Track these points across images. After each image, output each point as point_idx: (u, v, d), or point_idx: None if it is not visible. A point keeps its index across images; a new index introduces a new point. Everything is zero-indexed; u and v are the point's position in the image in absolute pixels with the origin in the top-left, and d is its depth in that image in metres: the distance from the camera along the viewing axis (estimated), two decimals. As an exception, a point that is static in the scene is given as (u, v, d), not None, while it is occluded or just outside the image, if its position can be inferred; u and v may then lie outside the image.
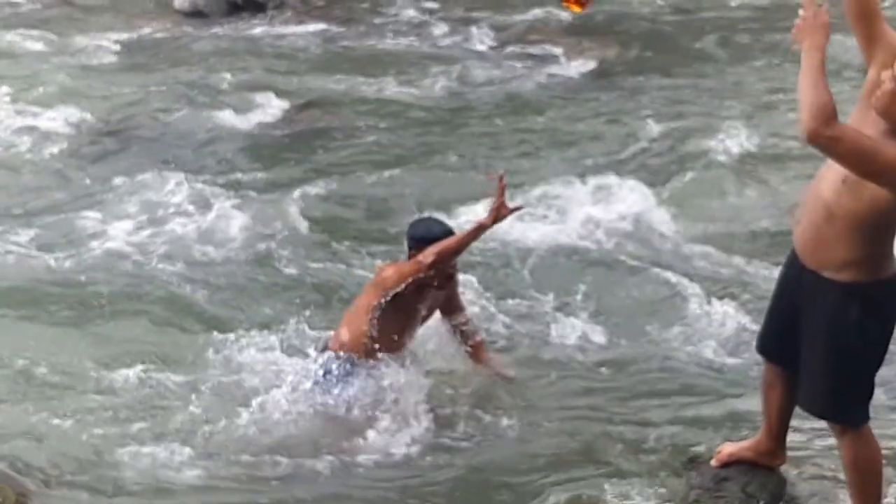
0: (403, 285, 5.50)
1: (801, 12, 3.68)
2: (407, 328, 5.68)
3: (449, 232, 5.66)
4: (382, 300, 5.53)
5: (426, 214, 6.33)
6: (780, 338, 4.17)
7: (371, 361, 5.58)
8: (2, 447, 5.28)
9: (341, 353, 5.62)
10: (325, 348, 5.73)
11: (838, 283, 3.85)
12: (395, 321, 5.59)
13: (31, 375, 5.97)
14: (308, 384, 5.64)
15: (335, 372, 5.59)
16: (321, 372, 5.63)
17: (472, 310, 6.12)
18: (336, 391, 5.57)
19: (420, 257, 5.49)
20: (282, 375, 5.83)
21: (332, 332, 5.80)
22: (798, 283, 3.99)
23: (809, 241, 3.88)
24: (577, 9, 5.03)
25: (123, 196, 8.30)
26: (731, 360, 5.91)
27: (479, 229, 5.48)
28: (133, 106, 10.27)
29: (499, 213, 5.40)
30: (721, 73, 11.01)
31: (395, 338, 5.61)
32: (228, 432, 5.53)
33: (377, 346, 5.58)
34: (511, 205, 5.42)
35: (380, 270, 5.79)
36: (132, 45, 12.12)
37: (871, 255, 3.84)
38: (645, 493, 4.86)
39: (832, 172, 3.76)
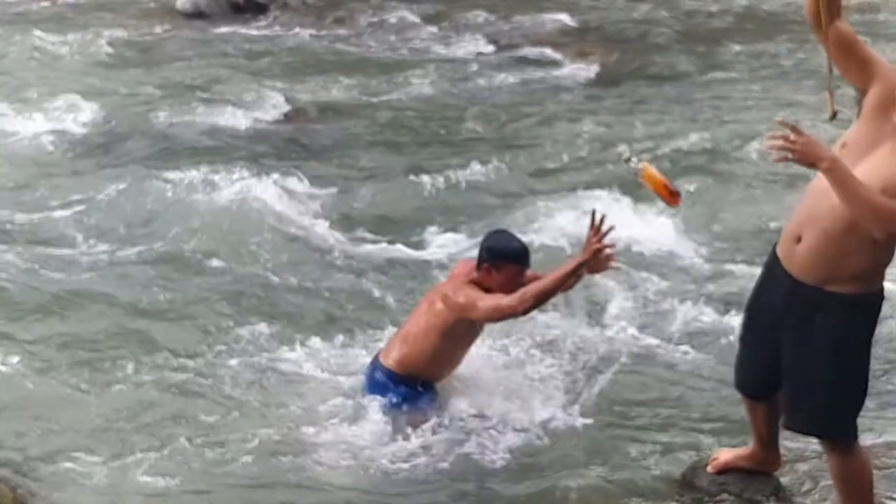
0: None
1: (770, 142, 3.69)
2: (468, 345, 5.55)
3: (526, 250, 5.45)
4: (454, 323, 5.35)
5: (502, 227, 6.01)
6: (761, 377, 4.17)
7: (420, 383, 5.47)
8: (2, 452, 5.25)
9: (394, 370, 5.49)
10: (375, 358, 5.63)
11: (845, 296, 3.84)
12: (457, 342, 5.46)
13: (37, 374, 5.94)
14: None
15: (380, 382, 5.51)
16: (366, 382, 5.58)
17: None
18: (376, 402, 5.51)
19: (517, 304, 5.16)
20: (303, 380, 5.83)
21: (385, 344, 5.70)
22: (789, 302, 3.93)
23: (818, 257, 3.82)
24: (675, 203, 5.01)
25: (119, 195, 8.27)
26: (728, 367, 5.89)
27: (578, 267, 5.15)
28: (133, 106, 10.28)
29: (595, 249, 5.07)
30: (723, 80, 11.01)
31: (453, 357, 5.52)
32: (232, 434, 5.52)
33: (433, 367, 5.49)
34: (606, 242, 5.07)
35: (457, 287, 5.43)
36: (133, 45, 12.14)
37: (876, 266, 3.85)
38: (643, 498, 4.86)
39: (863, 179, 3.71)
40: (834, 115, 3.87)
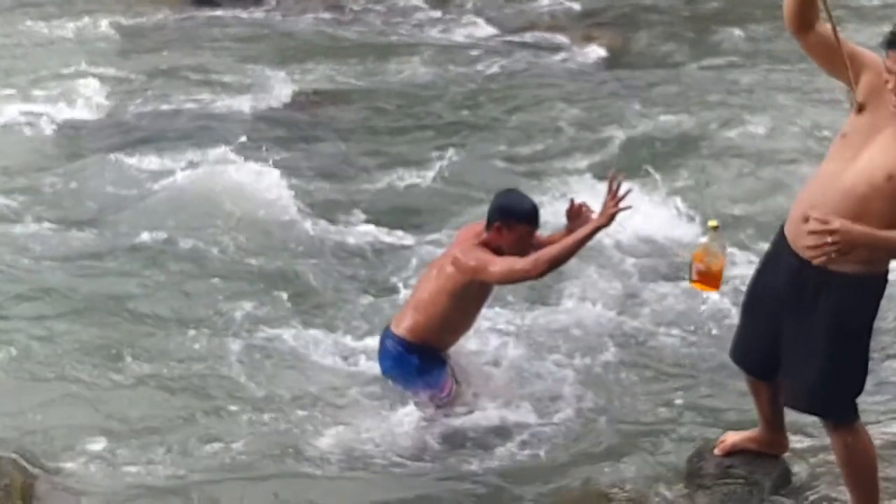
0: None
1: (812, 253, 3.75)
2: (478, 309, 5.52)
3: (537, 210, 5.38)
4: (465, 286, 5.31)
5: (511, 187, 5.85)
6: (763, 355, 4.18)
7: (430, 349, 5.46)
8: (10, 436, 5.27)
9: (406, 338, 5.47)
10: (386, 328, 5.61)
11: (850, 276, 3.85)
12: (468, 306, 5.43)
13: (45, 366, 5.95)
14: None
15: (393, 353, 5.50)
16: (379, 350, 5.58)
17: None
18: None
19: (531, 267, 5.10)
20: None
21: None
22: (795, 279, 3.95)
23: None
24: (711, 289, 4.82)
25: (116, 180, 8.29)
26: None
27: (594, 231, 5.07)
28: (136, 91, 10.26)
29: (612, 213, 5.01)
30: (731, 65, 10.99)
31: (464, 322, 5.49)
32: (236, 420, 5.54)
33: (445, 334, 5.47)
34: (622, 204, 5.00)
35: (467, 249, 5.36)
36: (136, 30, 12.12)
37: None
38: (651, 480, 4.87)
39: (869, 168, 3.78)
40: (861, 108, 3.87)
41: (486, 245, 5.36)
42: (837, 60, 3.87)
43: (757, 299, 4.18)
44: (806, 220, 3.86)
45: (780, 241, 4.04)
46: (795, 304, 3.96)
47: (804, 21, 3.87)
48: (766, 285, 4.10)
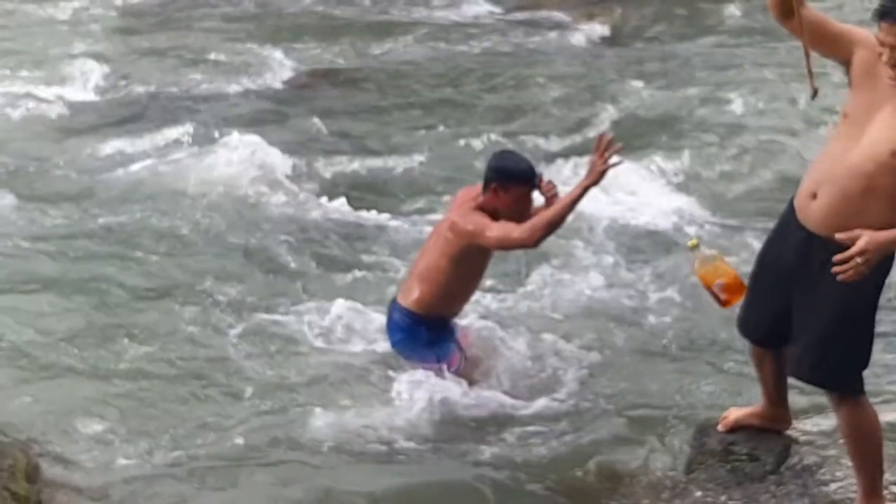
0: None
1: (846, 276, 3.77)
2: (480, 275, 5.48)
3: (534, 170, 5.33)
4: (464, 250, 5.27)
5: (509, 148, 5.83)
6: (767, 324, 4.21)
7: (435, 318, 5.45)
8: (13, 418, 5.27)
9: (414, 310, 5.45)
10: (393, 300, 5.59)
11: None
12: (470, 271, 5.38)
13: (52, 352, 5.93)
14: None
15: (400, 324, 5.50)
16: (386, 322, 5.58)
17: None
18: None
19: (528, 235, 5.07)
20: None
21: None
22: (801, 250, 3.98)
23: (833, 214, 3.88)
24: (737, 299, 4.44)
25: (114, 160, 8.30)
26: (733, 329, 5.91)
27: (584, 190, 5.01)
28: (128, 71, 10.28)
29: (600, 170, 4.96)
30: (733, 43, 10.97)
31: (468, 287, 5.47)
32: (239, 405, 5.54)
33: (450, 302, 5.45)
34: (611, 161, 4.94)
35: (465, 213, 5.32)
36: (134, 9, 12.09)
37: (891, 224, 3.87)
38: (654, 458, 4.89)
39: (873, 146, 3.81)
40: (815, 94, 3.97)
41: (482, 208, 5.31)
42: (826, 42, 3.92)
43: (765, 269, 4.20)
44: (814, 196, 3.92)
45: (790, 214, 4.07)
46: (802, 275, 3.99)
47: (785, 8, 3.91)
48: (775, 256, 4.13)
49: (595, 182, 5.01)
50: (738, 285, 4.40)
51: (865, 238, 3.72)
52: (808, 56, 3.93)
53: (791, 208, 4.07)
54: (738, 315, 4.38)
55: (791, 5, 3.88)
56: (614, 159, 4.97)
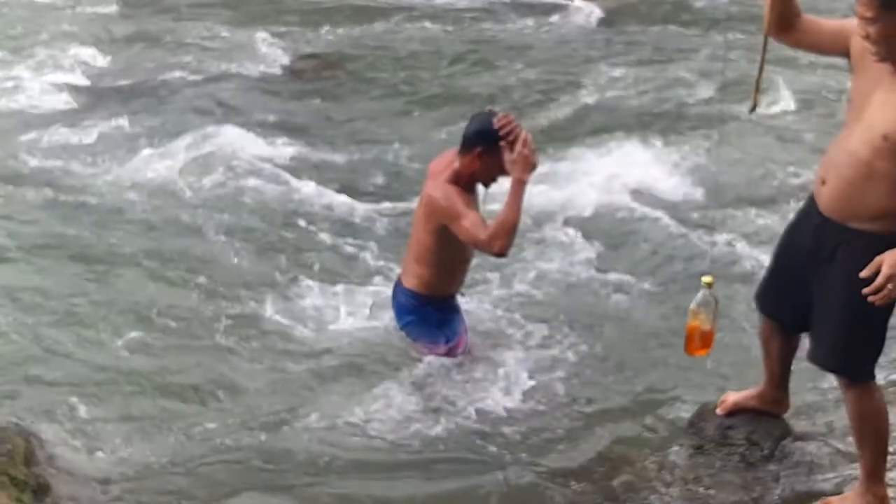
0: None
1: (878, 297, 3.79)
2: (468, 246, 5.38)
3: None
4: (442, 227, 5.22)
5: (486, 109, 5.48)
6: (779, 296, 4.26)
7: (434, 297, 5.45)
8: (11, 402, 5.28)
9: (417, 291, 5.46)
10: (398, 281, 5.60)
11: (868, 233, 3.91)
12: (457, 244, 5.28)
13: (50, 338, 5.93)
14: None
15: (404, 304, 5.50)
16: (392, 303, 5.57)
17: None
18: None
19: (491, 244, 5.04)
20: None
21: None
22: (817, 235, 4.04)
23: (839, 199, 3.96)
24: (702, 352, 4.52)
25: (112, 146, 8.28)
26: (738, 313, 5.92)
27: (523, 185, 4.99)
28: (136, 55, 10.27)
29: (525, 158, 4.94)
30: (732, 26, 10.92)
31: (463, 258, 5.44)
32: (240, 394, 5.55)
33: (450, 278, 5.45)
34: (524, 145, 4.92)
35: (440, 186, 5.23)
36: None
37: (891, 207, 3.89)
38: (651, 443, 4.90)
39: (867, 130, 3.86)
40: (754, 108, 4.13)
41: (458, 174, 5.23)
42: (825, 41, 4.04)
43: (786, 250, 4.26)
44: (823, 182, 4.01)
45: (811, 198, 4.14)
46: (817, 259, 4.05)
47: (782, 26, 4.03)
48: (796, 239, 4.20)
49: (526, 172, 4.98)
50: (710, 342, 4.44)
51: (888, 263, 3.77)
52: (761, 72, 4.08)
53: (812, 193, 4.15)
54: (757, 290, 4.40)
55: (789, 21, 4.01)
56: (524, 136, 4.92)
